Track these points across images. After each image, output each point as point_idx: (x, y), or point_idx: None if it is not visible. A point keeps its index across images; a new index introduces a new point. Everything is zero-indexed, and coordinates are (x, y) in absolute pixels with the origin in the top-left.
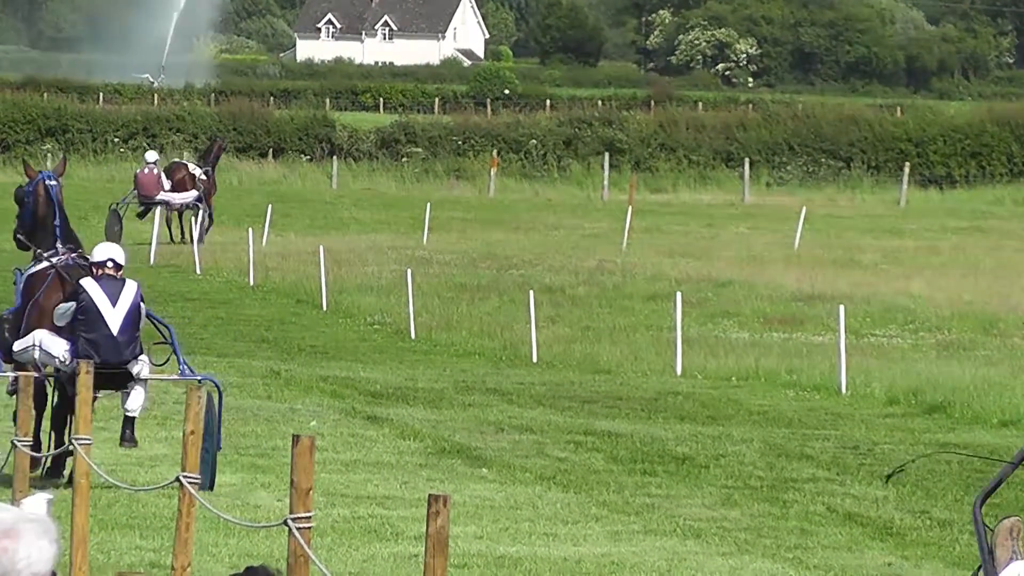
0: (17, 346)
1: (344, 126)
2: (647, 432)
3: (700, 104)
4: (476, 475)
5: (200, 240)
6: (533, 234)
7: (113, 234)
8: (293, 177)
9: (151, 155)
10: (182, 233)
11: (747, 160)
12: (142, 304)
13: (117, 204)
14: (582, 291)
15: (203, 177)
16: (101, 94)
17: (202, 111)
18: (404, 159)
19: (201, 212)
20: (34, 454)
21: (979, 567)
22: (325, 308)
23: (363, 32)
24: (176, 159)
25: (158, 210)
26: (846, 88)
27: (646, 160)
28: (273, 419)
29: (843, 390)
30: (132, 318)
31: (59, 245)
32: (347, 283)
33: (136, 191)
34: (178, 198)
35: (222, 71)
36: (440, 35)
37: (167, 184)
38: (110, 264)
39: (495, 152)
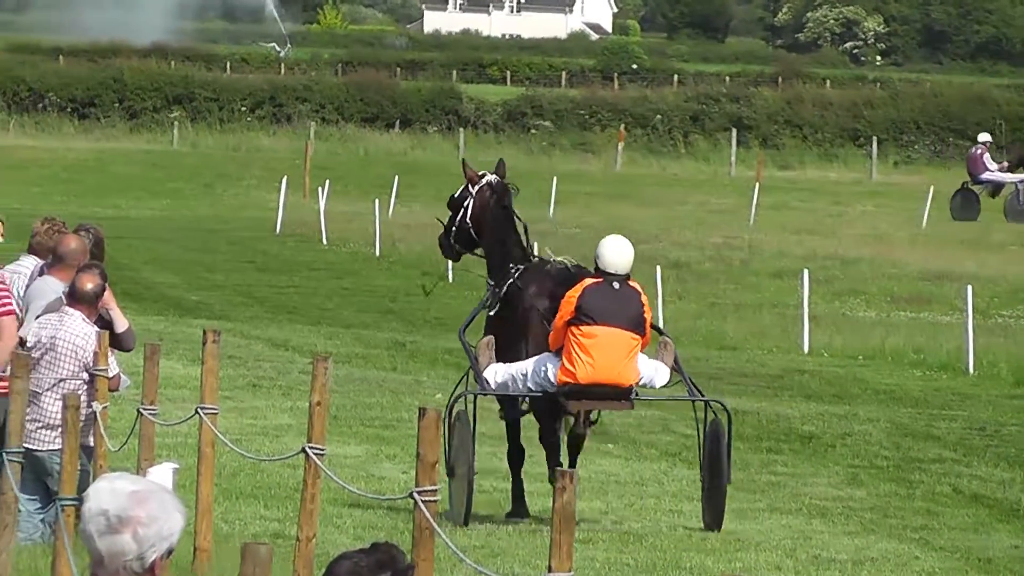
0: None
1: (471, 98)
2: (773, 410)
3: (827, 82)
4: (602, 451)
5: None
6: (659, 209)
7: (964, 211)
8: (419, 148)
9: (983, 136)
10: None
11: (875, 138)
12: None
13: (967, 183)
14: (708, 267)
15: None
16: (228, 63)
17: (329, 81)
18: (531, 132)
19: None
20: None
21: (468, 369)
22: (451, 280)
23: (490, 4)
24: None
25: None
26: (974, 68)
27: (773, 137)
28: (398, 391)
29: (970, 370)
30: None
31: None
32: (472, 256)
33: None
34: (1008, 178)
35: (349, 42)
36: (567, 9)
37: (993, 165)
38: None
39: (622, 126)
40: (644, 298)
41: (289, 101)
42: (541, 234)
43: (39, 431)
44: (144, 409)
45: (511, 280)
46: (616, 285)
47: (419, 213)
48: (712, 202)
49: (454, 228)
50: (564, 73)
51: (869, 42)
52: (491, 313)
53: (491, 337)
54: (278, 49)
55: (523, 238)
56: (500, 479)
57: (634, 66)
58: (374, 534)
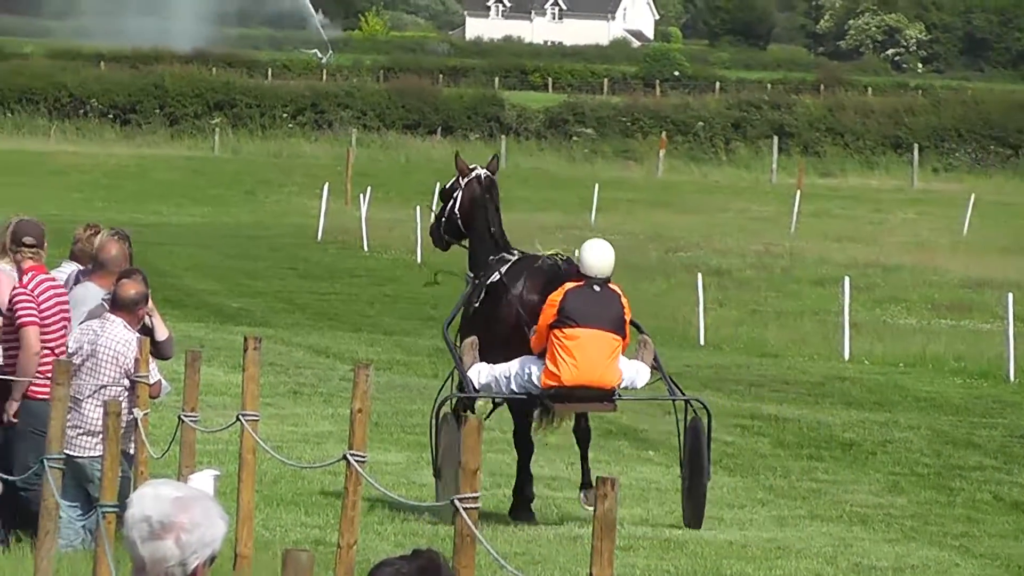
0: None
1: (513, 105)
2: (814, 417)
3: (869, 89)
4: (642, 457)
5: None
6: (701, 216)
7: None
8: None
9: None
10: None
11: (916, 146)
12: None
13: None
14: (750, 274)
15: None
16: (269, 69)
17: (371, 87)
18: (573, 139)
19: None
20: None
21: (453, 369)
22: None
23: (532, 11)
24: None
25: None
26: (1016, 75)
27: (814, 144)
28: None
29: (1011, 378)
30: None
31: None
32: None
33: None
34: None
35: (391, 48)
36: (609, 15)
37: None
38: None
39: (663, 134)
40: (625, 300)
41: (331, 108)
42: (583, 241)
43: (80, 437)
44: (185, 416)
45: (498, 276)
46: (597, 288)
47: None
48: (753, 209)
49: (443, 218)
50: (606, 80)
51: (911, 49)
52: (475, 305)
53: (475, 338)
54: (320, 55)
55: (502, 233)
56: (540, 486)
57: (676, 73)
58: (415, 541)
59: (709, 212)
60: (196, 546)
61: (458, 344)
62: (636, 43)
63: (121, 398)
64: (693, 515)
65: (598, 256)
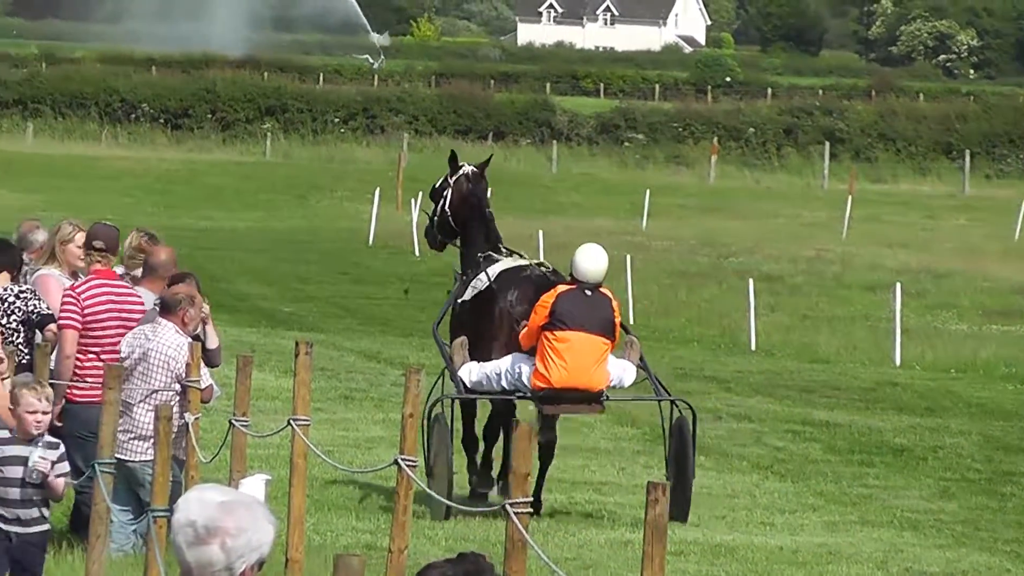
0: None
1: (564, 110)
2: (865, 423)
3: (920, 95)
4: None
5: None
6: (752, 222)
7: None
8: (512, 160)
9: None
10: None
11: (967, 152)
12: None
13: None
14: (801, 280)
15: None
16: (321, 74)
17: (422, 93)
18: (624, 145)
19: None
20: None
21: (444, 368)
22: None
23: (584, 17)
24: None
25: None
26: None
27: (865, 150)
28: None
29: None
30: None
31: None
32: (566, 267)
33: None
34: None
35: (442, 54)
36: (661, 21)
37: None
38: None
39: (715, 139)
40: (615, 304)
41: (382, 113)
42: (635, 247)
43: (131, 442)
44: (236, 420)
45: (486, 281)
46: (588, 292)
47: (512, 225)
48: (805, 215)
49: (435, 218)
50: (658, 86)
51: (962, 55)
52: (461, 302)
53: (464, 337)
54: (371, 61)
55: (494, 229)
56: (591, 491)
57: (728, 79)
58: (466, 545)
59: (761, 218)
60: (242, 551)
61: (448, 343)
62: (688, 49)
63: (172, 403)
64: (679, 511)
65: (591, 261)
